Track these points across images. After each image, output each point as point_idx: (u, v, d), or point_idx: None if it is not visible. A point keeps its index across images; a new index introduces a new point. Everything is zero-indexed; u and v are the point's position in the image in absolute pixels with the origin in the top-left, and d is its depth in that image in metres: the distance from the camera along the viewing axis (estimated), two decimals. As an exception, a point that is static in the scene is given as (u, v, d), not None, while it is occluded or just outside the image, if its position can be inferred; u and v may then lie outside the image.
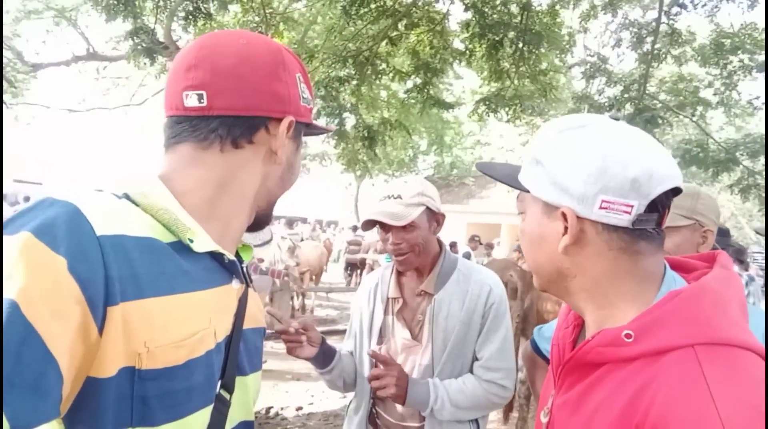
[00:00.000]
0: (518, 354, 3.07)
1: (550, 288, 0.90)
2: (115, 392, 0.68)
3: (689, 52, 9.07)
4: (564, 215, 0.80)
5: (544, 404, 0.95)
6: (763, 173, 8.29)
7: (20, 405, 0.57)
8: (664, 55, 8.05)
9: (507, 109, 8.10)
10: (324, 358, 1.79)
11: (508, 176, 0.92)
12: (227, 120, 0.83)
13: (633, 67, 9.04)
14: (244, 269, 0.94)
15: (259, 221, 0.96)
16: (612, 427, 0.73)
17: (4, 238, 0.62)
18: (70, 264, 0.63)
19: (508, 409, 4.82)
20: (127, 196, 0.78)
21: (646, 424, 0.68)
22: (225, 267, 0.86)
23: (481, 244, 12.04)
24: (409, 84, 8.59)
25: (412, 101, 8.57)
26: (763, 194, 8.24)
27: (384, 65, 8.07)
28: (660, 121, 7.26)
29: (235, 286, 0.88)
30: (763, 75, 8.32)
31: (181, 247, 0.78)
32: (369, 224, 1.75)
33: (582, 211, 0.78)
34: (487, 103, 8.15)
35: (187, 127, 0.83)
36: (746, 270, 5.76)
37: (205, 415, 0.79)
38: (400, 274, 1.90)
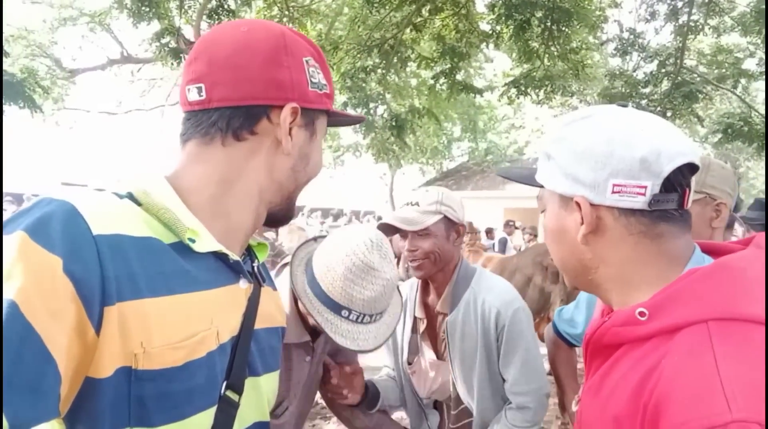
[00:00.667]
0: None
1: (578, 283, 0.87)
2: (113, 392, 0.67)
3: (728, 22, 8.64)
4: (578, 205, 0.78)
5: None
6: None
7: (19, 404, 0.57)
8: (701, 26, 7.70)
9: (538, 90, 7.93)
10: (369, 402, 1.70)
11: (525, 176, 0.91)
12: (226, 111, 0.80)
13: (669, 41, 8.68)
14: (256, 268, 0.91)
15: (277, 217, 0.92)
16: (625, 407, 0.71)
17: (4, 237, 0.62)
18: (65, 263, 0.62)
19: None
20: (130, 196, 0.77)
21: (651, 401, 0.67)
22: (230, 267, 0.83)
23: (516, 228, 11.84)
24: (437, 70, 8.48)
25: (440, 87, 8.47)
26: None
27: (409, 52, 8.00)
28: (699, 95, 6.97)
29: (243, 285, 0.85)
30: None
31: (182, 248, 0.76)
32: (387, 230, 1.69)
33: (595, 198, 0.76)
34: (517, 85, 7.98)
35: (192, 122, 0.82)
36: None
37: (207, 417, 0.76)
38: (423, 293, 1.85)
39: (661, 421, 0.65)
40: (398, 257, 2.98)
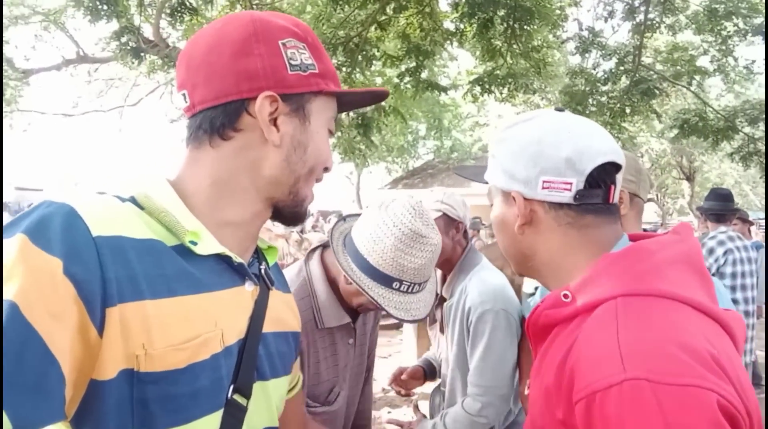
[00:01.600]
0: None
1: (522, 270, 0.96)
2: (116, 395, 0.67)
3: (683, 20, 8.92)
4: (514, 199, 0.88)
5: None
6: (764, 140, 8.20)
7: (22, 405, 0.56)
8: (657, 25, 7.94)
9: (501, 88, 8.02)
10: (431, 376, 2.01)
11: (476, 174, 1.01)
12: (207, 113, 0.80)
13: (627, 39, 8.92)
14: (263, 271, 0.90)
15: (284, 214, 0.88)
16: (552, 380, 0.78)
17: (4, 241, 0.62)
18: (66, 265, 0.62)
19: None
20: (132, 199, 0.77)
21: (567, 370, 0.75)
22: (235, 269, 0.82)
23: (483, 224, 11.97)
24: (402, 68, 8.49)
25: (406, 86, 8.49)
26: (764, 161, 8.17)
27: (375, 51, 7.98)
28: (657, 92, 7.18)
29: (249, 288, 0.85)
30: (759, 38, 8.20)
31: (185, 250, 0.76)
32: None
33: (528, 193, 0.86)
34: (481, 83, 8.06)
35: (187, 128, 0.84)
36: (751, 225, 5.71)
37: (214, 420, 0.76)
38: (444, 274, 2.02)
39: (574, 386, 0.72)
40: None
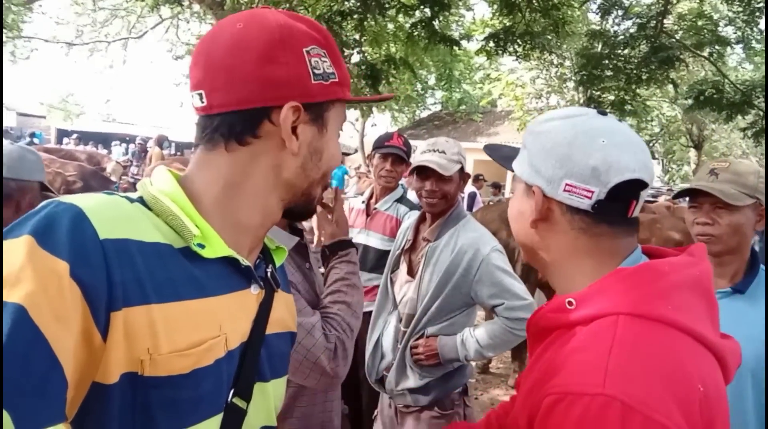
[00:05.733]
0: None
1: (531, 261, 0.98)
2: (119, 398, 0.66)
3: (712, -15, 8.56)
4: (534, 193, 0.89)
5: None
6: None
7: (25, 408, 0.57)
8: (684, -11, 7.62)
9: (517, 45, 7.80)
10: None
11: (505, 159, 1.01)
12: (227, 117, 0.78)
13: (651, 2, 8.58)
14: (269, 273, 0.90)
15: (294, 212, 0.89)
16: (536, 383, 0.80)
17: (9, 241, 0.62)
18: (72, 268, 0.62)
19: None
20: (141, 200, 0.76)
21: (550, 371, 0.77)
22: (242, 272, 0.81)
23: (485, 181, 11.91)
24: (416, 17, 8.24)
25: (418, 36, 8.25)
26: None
27: (388, -2, 7.72)
28: (676, 61, 6.97)
29: (254, 291, 0.84)
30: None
31: (192, 253, 0.75)
32: (415, 170, 2.09)
33: (549, 191, 0.87)
34: (496, 39, 7.84)
35: (199, 127, 0.82)
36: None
37: (213, 424, 0.76)
38: (420, 221, 2.26)
39: (550, 381, 0.75)
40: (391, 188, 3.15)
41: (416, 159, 2.11)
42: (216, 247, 0.77)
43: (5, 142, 1.83)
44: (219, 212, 0.80)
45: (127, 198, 0.75)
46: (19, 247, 0.61)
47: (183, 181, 0.81)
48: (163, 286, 0.70)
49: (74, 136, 19.30)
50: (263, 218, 0.84)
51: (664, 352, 0.73)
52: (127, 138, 23.42)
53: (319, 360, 1.27)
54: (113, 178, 9.13)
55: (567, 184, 0.84)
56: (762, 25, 8.58)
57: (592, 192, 0.83)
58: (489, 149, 1.09)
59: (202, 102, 0.79)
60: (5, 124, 22.49)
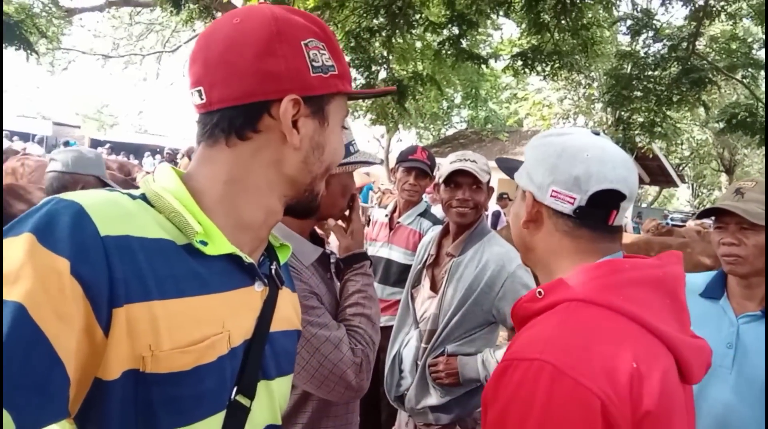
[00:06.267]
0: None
1: (525, 260, 1.09)
2: (120, 395, 0.67)
3: (745, 8, 8.42)
4: (527, 198, 1.01)
5: None
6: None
7: (26, 406, 0.57)
8: (717, 12, 7.50)
9: (545, 65, 7.77)
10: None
11: (511, 169, 1.13)
12: (226, 112, 0.78)
13: (683, 24, 8.48)
14: (273, 270, 0.89)
15: (298, 209, 0.89)
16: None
17: (10, 239, 0.62)
18: (73, 265, 0.62)
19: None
20: (143, 197, 0.76)
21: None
22: (245, 269, 0.81)
23: (510, 201, 11.80)
24: (444, 35, 8.27)
25: (446, 54, 8.28)
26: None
27: (417, 15, 7.77)
28: (708, 83, 6.85)
29: (258, 288, 0.84)
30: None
31: (195, 249, 0.75)
32: (446, 180, 2.08)
33: (539, 196, 0.99)
34: (524, 58, 7.82)
35: (200, 124, 0.82)
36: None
37: (216, 421, 0.75)
38: (443, 236, 2.25)
39: (505, 354, 0.87)
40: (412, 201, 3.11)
41: (446, 168, 2.09)
42: (219, 245, 0.76)
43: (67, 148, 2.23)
44: (222, 209, 0.79)
45: (129, 195, 0.75)
46: (20, 244, 0.61)
47: (185, 178, 0.81)
48: (166, 283, 0.70)
49: (107, 145, 19.80)
50: (266, 216, 0.84)
51: (603, 330, 0.85)
52: (158, 149, 23.93)
53: (346, 374, 1.26)
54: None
55: (553, 190, 0.96)
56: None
57: (575, 198, 0.94)
58: (499, 161, 1.21)
59: (202, 99, 0.79)
60: (42, 132, 23.19)
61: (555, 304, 0.91)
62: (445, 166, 2.12)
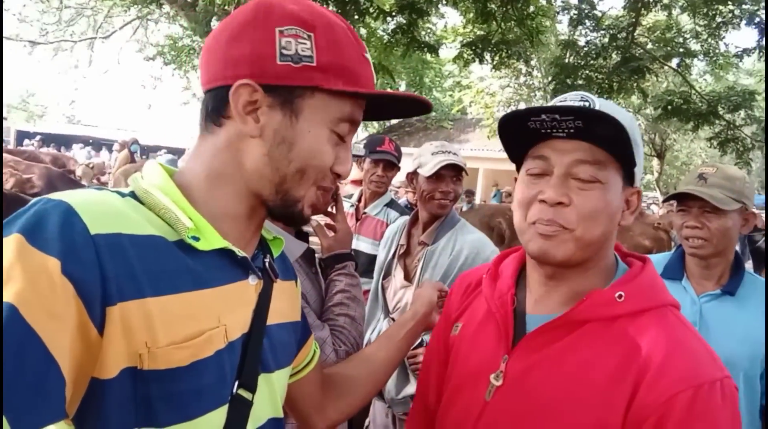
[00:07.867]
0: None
1: (590, 254, 0.99)
2: (119, 393, 0.66)
3: (680, 0, 8.84)
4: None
5: (483, 367, 0.96)
6: (743, 127, 8.33)
7: (22, 407, 0.57)
8: (654, 2, 7.85)
9: (494, 54, 7.92)
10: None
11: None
12: (204, 97, 0.80)
13: (621, 15, 8.82)
14: (267, 263, 0.88)
15: (275, 214, 0.83)
16: (607, 382, 0.82)
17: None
18: (64, 265, 0.61)
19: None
20: (132, 194, 0.76)
21: (640, 367, 0.81)
22: (238, 263, 0.80)
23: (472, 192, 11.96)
24: (392, 24, 8.27)
25: (396, 43, 8.28)
26: (741, 148, 8.33)
27: (368, 4, 7.73)
28: (646, 72, 7.17)
29: (252, 281, 0.83)
30: (749, 27, 8.22)
31: (187, 245, 0.74)
32: (443, 169, 2.06)
33: (637, 182, 0.96)
34: (473, 47, 7.94)
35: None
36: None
37: (218, 415, 0.75)
38: (411, 225, 2.27)
39: (662, 380, 0.79)
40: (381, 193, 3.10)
41: (433, 161, 2.07)
42: (210, 239, 0.76)
43: None
44: (208, 202, 0.79)
45: (119, 193, 0.74)
46: (8, 246, 0.60)
47: (177, 174, 0.82)
48: (159, 279, 0.69)
49: (37, 137, 18.71)
50: (248, 209, 0.82)
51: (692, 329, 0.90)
52: (90, 140, 22.84)
53: None
54: (84, 182, 8.88)
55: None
56: (726, 39, 8.94)
57: None
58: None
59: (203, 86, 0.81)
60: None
61: (642, 311, 0.86)
62: (426, 157, 2.11)
